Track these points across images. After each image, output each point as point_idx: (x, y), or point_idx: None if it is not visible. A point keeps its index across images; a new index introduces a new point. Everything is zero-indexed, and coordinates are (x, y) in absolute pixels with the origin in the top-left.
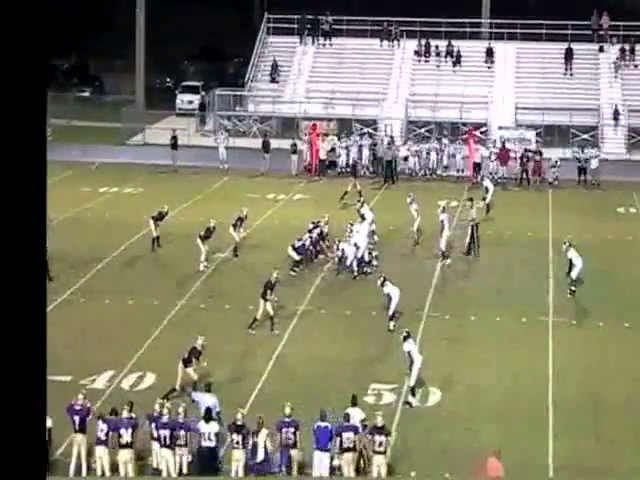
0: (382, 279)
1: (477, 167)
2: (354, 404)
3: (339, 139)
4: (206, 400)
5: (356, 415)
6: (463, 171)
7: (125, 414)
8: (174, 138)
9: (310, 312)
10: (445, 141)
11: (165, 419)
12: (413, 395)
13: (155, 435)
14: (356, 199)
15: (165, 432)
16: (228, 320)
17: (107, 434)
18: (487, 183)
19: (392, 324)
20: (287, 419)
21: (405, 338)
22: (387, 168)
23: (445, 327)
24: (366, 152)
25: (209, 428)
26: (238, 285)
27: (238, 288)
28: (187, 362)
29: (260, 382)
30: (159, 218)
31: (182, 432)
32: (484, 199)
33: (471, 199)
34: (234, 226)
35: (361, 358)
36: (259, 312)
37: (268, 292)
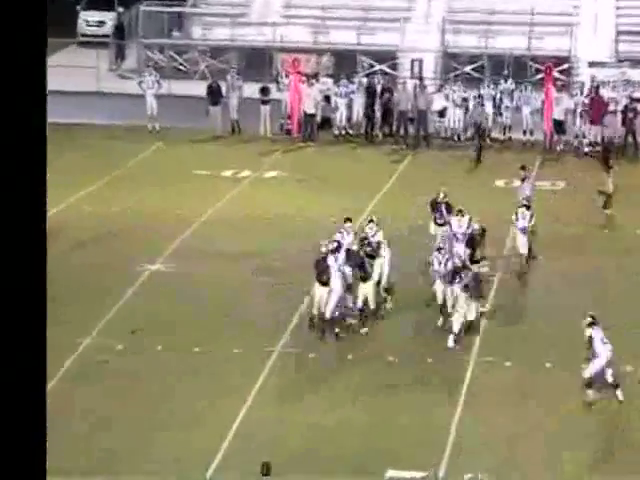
0: None
1: (559, 127)
2: None
3: (336, 83)
4: None
5: None
6: (532, 133)
7: None
8: None
9: (290, 355)
10: (506, 85)
11: None
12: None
13: None
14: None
15: None
16: (162, 368)
17: None
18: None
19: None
20: None
21: None
22: (418, 124)
23: (505, 378)
24: (379, 103)
25: None
26: (173, 312)
27: (172, 317)
28: None
29: (214, 464)
30: None
31: None
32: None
33: (524, 167)
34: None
35: (371, 428)
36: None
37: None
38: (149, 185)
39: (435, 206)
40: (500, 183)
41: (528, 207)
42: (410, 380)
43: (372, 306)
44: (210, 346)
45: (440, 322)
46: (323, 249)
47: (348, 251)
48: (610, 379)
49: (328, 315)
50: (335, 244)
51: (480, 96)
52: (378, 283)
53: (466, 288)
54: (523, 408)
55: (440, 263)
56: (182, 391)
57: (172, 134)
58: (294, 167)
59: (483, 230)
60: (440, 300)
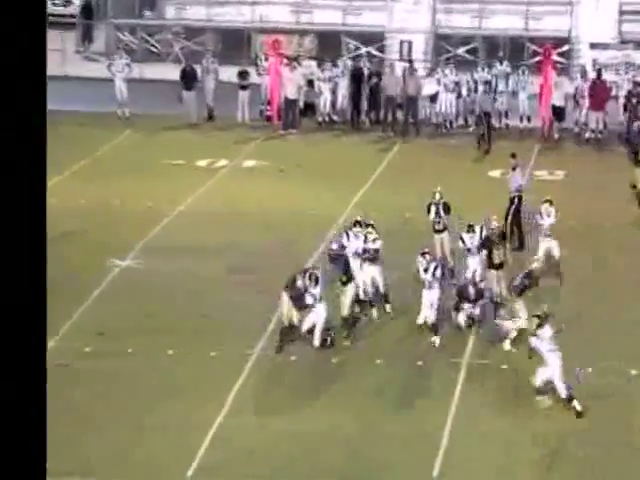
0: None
1: (558, 113)
2: None
3: (320, 66)
4: None
5: None
6: (530, 119)
7: None
8: None
9: (270, 358)
10: (501, 68)
11: None
12: None
13: None
14: None
15: None
16: (135, 371)
17: None
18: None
19: None
20: None
21: None
22: (407, 110)
23: (502, 382)
24: (365, 88)
25: None
26: (145, 312)
27: (144, 317)
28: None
29: (191, 469)
30: None
31: None
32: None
33: (514, 155)
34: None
35: (359, 434)
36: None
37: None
38: (119, 176)
39: (430, 209)
40: (495, 173)
41: (551, 202)
42: (400, 384)
43: (345, 312)
44: (185, 348)
45: (437, 342)
46: (299, 282)
47: (330, 255)
48: (541, 383)
49: (317, 344)
50: (314, 279)
51: (475, 81)
52: (359, 295)
53: (521, 292)
54: (522, 410)
55: (426, 270)
56: (157, 395)
57: (143, 121)
58: (274, 156)
59: (502, 232)
60: (423, 316)
